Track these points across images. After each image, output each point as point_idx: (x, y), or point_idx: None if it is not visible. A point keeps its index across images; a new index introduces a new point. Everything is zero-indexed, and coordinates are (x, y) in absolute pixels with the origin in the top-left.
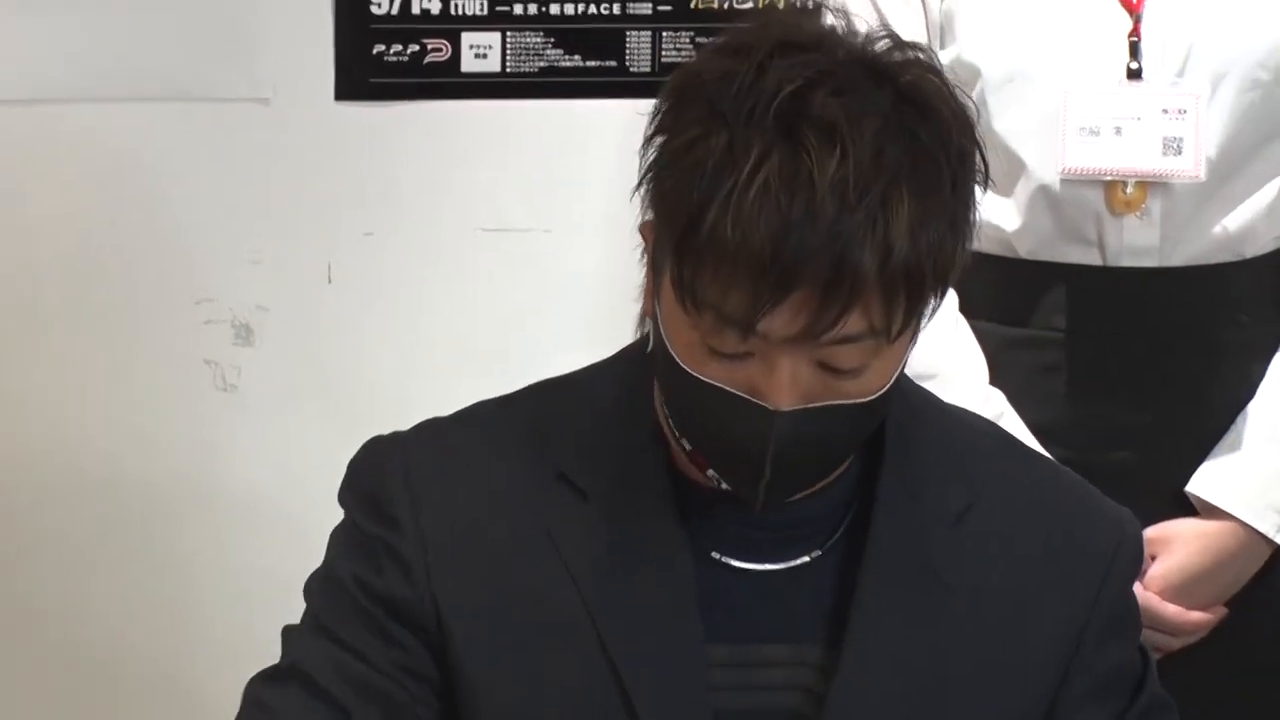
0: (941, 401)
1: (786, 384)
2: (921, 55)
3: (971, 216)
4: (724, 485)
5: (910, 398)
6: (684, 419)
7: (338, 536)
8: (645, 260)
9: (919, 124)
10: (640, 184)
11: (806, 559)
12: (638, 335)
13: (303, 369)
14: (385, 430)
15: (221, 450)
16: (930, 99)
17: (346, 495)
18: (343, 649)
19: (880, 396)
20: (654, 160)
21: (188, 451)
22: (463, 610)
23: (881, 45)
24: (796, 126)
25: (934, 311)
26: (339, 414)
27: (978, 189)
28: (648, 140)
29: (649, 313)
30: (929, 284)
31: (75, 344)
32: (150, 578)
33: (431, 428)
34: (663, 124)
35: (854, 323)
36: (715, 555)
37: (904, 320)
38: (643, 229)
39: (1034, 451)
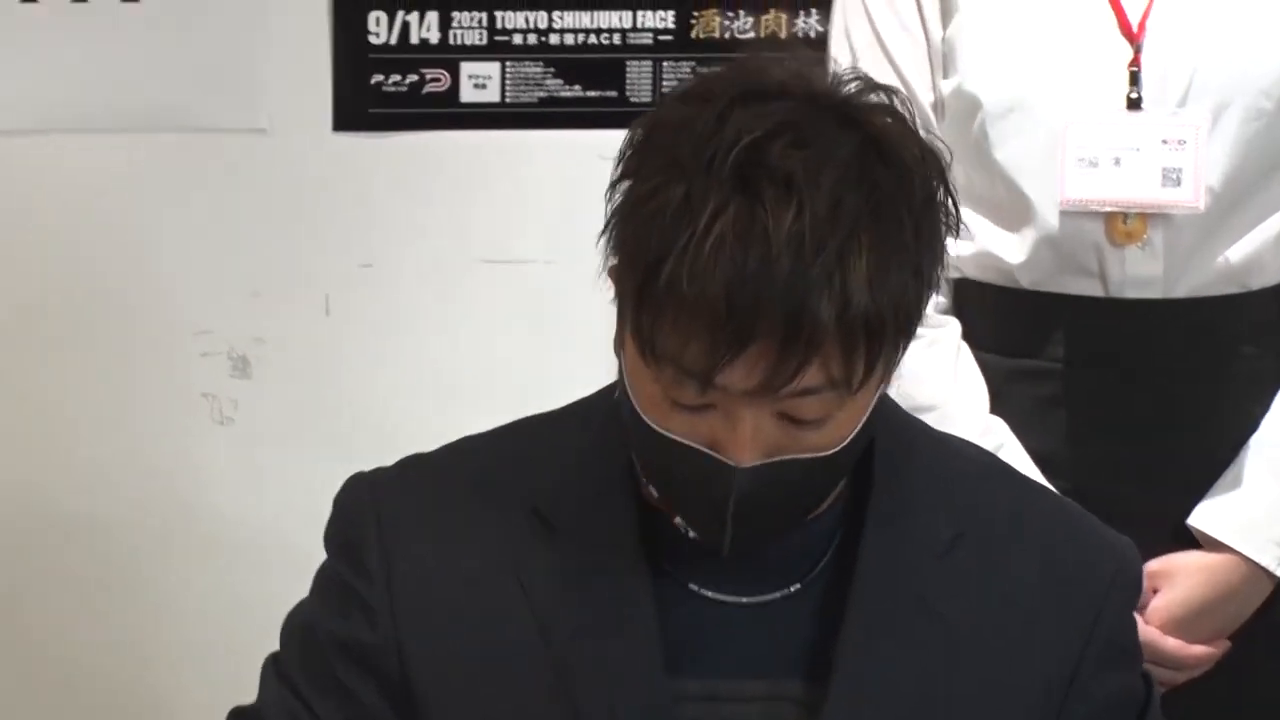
0: (933, 430)
1: (748, 438)
2: (893, 99)
3: (939, 262)
4: (691, 534)
5: (899, 427)
6: (648, 469)
7: (317, 576)
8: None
9: (882, 171)
10: (606, 228)
11: (789, 591)
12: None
13: (301, 402)
14: (384, 463)
15: (218, 484)
16: (896, 145)
17: (327, 533)
18: (298, 698)
19: (844, 449)
20: (618, 206)
21: (184, 485)
22: (427, 656)
23: (851, 87)
24: (754, 178)
25: (899, 359)
26: (337, 447)
27: (950, 239)
28: (613, 185)
29: (616, 353)
30: (889, 333)
31: (71, 376)
32: (147, 613)
33: (411, 465)
34: (626, 169)
35: (813, 375)
36: (693, 587)
37: (865, 371)
38: (610, 273)
39: (1030, 480)
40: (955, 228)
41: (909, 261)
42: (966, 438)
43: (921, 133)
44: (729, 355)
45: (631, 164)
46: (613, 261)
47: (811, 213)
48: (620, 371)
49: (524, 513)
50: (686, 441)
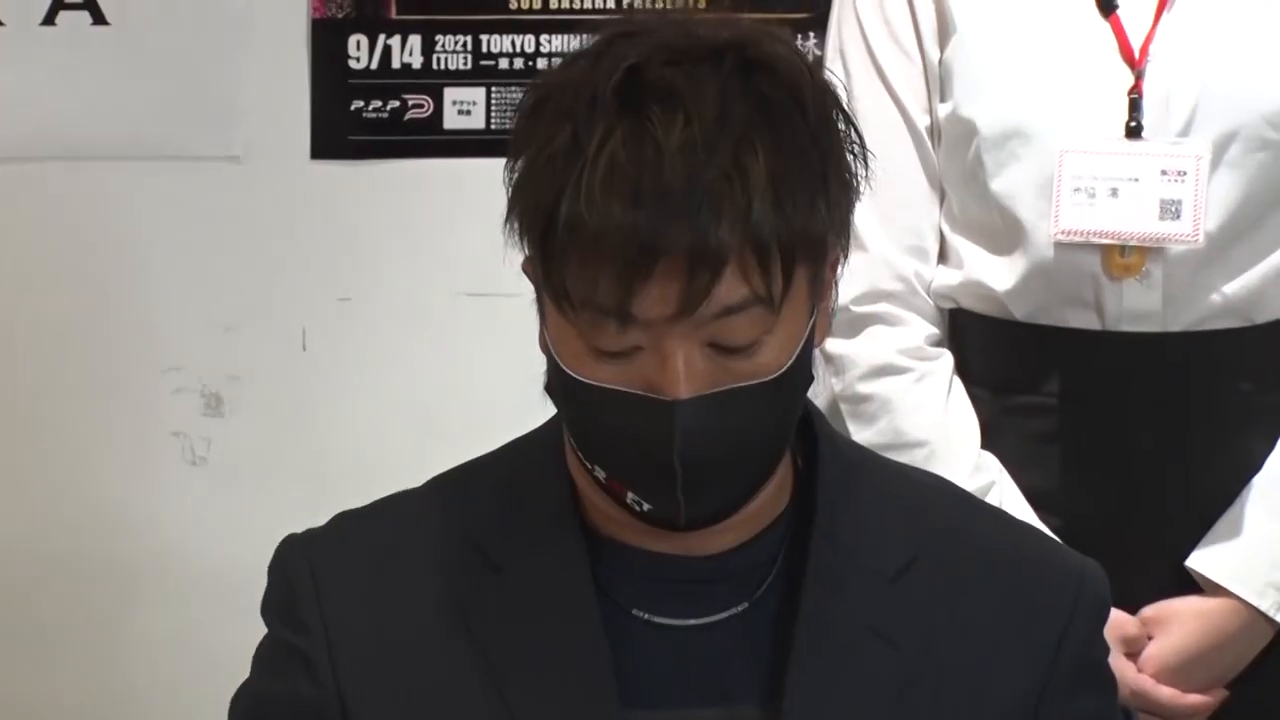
0: (884, 459)
1: (680, 371)
2: (781, 36)
3: (848, 177)
4: (646, 507)
5: (847, 453)
6: (588, 439)
7: (256, 653)
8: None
9: (767, 83)
10: (508, 214)
11: (733, 612)
12: None
13: (276, 441)
14: (361, 502)
15: (190, 527)
16: (781, 62)
17: (263, 603)
18: None
19: (784, 374)
20: (516, 180)
21: (154, 528)
22: (371, 704)
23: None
24: (636, 99)
25: (828, 280)
26: (315, 487)
27: (859, 165)
28: (510, 169)
29: (544, 349)
30: (801, 240)
31: (34, 414)
32: (116, 663)
33: (343, 518)
34: (517, 146)
35: (730, 290)
36: (636, 612)
37: (784, 282)
38: (525, 266)
39: (986, 505)
40: (863, 156)
41: (812, 170)
42: (957, 475)
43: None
44: (639, 280)
45: (521, 139)
46: (527, 261)
47: (700, 121)
48: (548, 356)
49: (465, 551)
50: (619, 388)
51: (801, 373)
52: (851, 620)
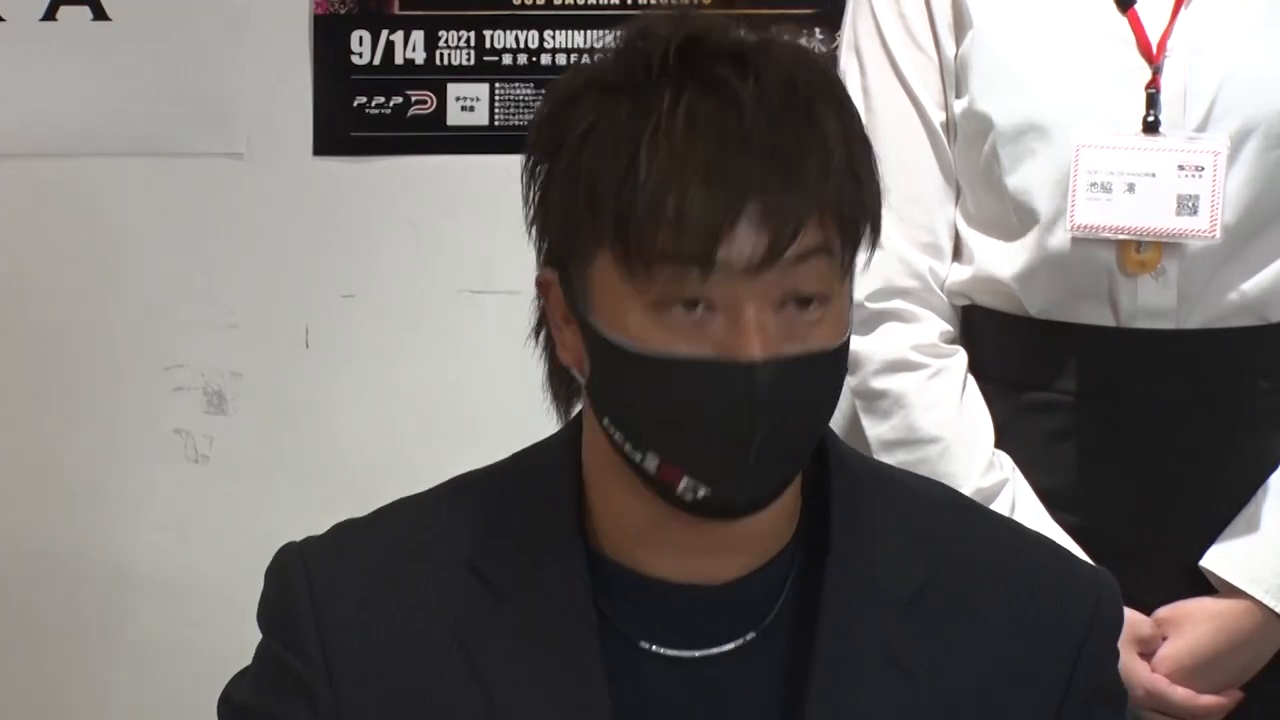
0: (891, 470)
1: (755, 328)
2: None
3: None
4: (702, 493)
5: (857, 470)
6: (649, 421)
7: (256, 655)
8: (537, 315)
9: (809, 61)
10: (532, 222)
11: (741, 642)
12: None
13: (279, 438)
14: (364, 503)
15: (193, 525)
16: (810, 56)
17: (259, 609)
18: None
19: (841, 347)
20: (544, 181)
21: (156, 527)
22: None
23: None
24: (699, 65)
25: (863, 264)
26: (318, 486)
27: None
28: (531, 174)
29: (573, 362)
30: (868, 208)
31: (34, 412)
32: (116, 662)
33: (344, 530)
34: (546, 147)
35: (811, 234)
36: (644, 644)
37: (844, 242)
38: (540, 283)
39: (997, 517)
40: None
41: (867, 144)
42: (970, 472)
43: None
44: (727, 220)
45: (551, 132)
46: (549, 273)
47: (772, 80)
48: (591, 355)
49: (465, 574)
50: (696, 354)
51: (847, 356)
52: (866, 651)
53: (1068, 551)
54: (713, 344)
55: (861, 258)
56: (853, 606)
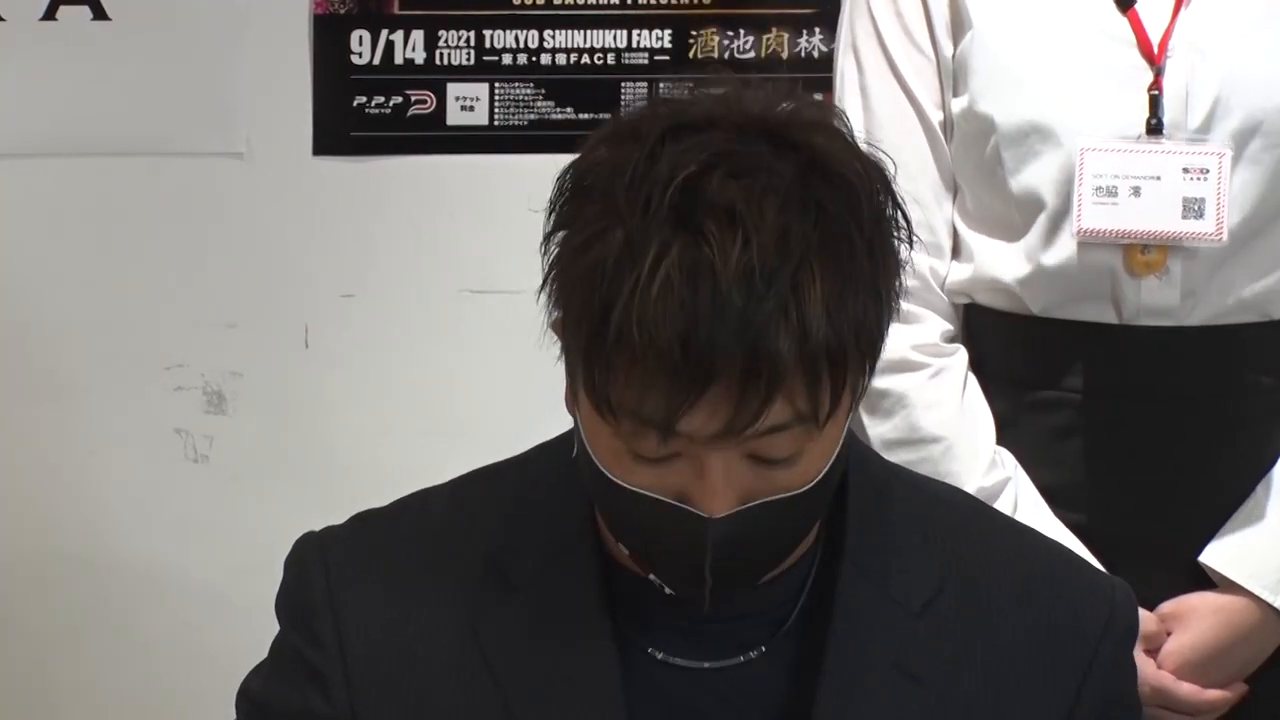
0: (908, 474)
1: (719, 486)
2: (828, 114)
3: (896, 280)
4: (668, 590)
5: (877, 474)
6: (616, 526)
7: (273, 646)
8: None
9: (826, 193)
10: (545, 283)
11: (753, 654)
12: None
13: (278, 438)
14: (367, 501)
15: (192, 525)
16: (837, 164)
17: (278, 600)
18: None
19: (818, 484)
20: (556, 258)
21: (156, 527)
22: None
23: (784, 106)
24: (694, 215)
25: (867, 385)
26: (318, 486)
27: (903, 247)
28: (548, 237)
29: (570, 409)
30: (852, 360)
31: (34, 412)
32: (119, 664)
33: (362, 521)
34: (561, 220)
35: (779, 412)
36: (653, 653)
37: (831, 402)
38: (554, 326)
39: (1012, 523)
40: (910, 239)
41: (865, 284)
42: (973, 471)
43: (863, 146)
44: (689, 400)
45: (566, 213)
46: (556, 314)
47: (759, 244)
48: (576, 428)
49: (483, 570)
50: (654, 495)
51: (835, 475)
52: (878, 658)
53: (1082, 559)
54: (677, 487)
55: None
56: (865, 613)
